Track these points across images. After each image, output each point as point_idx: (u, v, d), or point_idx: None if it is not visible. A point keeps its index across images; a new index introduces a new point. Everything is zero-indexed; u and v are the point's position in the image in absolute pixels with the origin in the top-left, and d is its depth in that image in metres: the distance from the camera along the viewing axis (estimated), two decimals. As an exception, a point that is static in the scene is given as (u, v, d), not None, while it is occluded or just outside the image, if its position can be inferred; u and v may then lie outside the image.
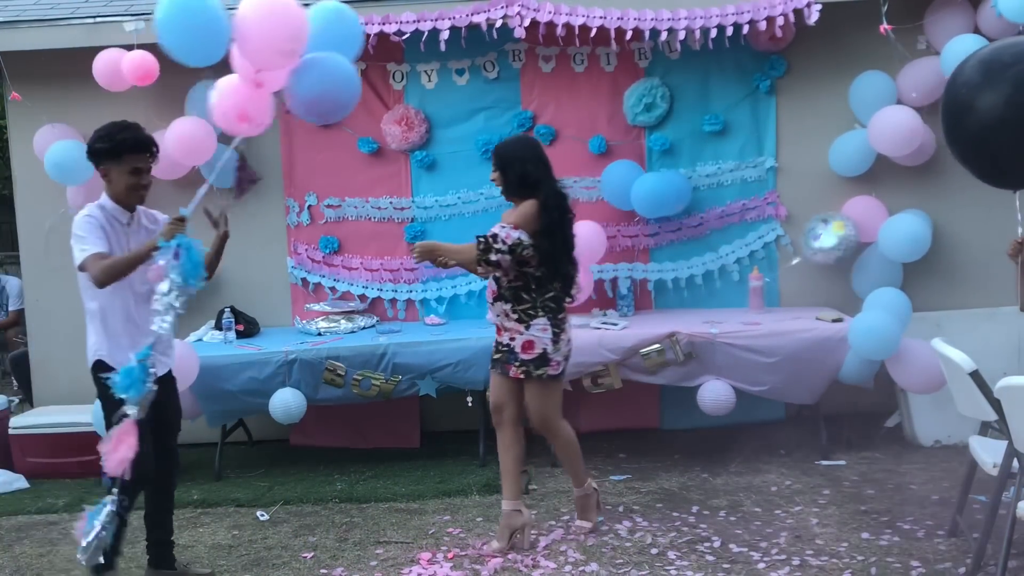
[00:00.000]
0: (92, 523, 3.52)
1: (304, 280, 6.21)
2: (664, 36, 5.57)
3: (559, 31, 5.59)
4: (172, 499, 4.09)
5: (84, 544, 3.50)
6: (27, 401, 6.89)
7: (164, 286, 3.49)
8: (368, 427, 6.02)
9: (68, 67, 6.04)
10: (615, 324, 5.47)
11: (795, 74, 5.93)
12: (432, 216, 6.14)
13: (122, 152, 3.76)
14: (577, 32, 5.61)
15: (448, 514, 4.73)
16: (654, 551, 4.11)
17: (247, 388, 5.35)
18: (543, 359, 4.09)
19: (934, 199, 5.86)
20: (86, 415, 5.47)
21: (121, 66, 5.67)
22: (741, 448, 5.58)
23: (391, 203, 6.15)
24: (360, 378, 5.30)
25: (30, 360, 6.50)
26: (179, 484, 5.41)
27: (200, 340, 5.75)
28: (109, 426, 3.69)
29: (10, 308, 8.18)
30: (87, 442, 5.59)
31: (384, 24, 5.61)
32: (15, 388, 7.63)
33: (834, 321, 5.33)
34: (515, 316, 4.09)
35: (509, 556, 4.11)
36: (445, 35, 5.60)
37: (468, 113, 6.07)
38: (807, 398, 5.36)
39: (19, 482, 5.61)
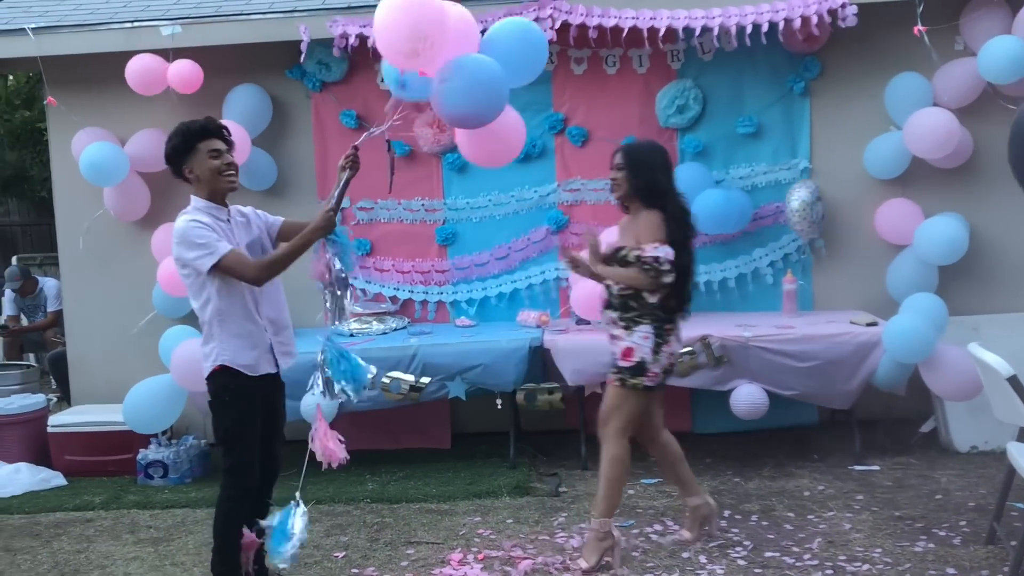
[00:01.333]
0: (286, 530, 3.51)
1: (336, 282, 6.25)
2: (698, 35, 5.54)
3: (591, 33, 5.58)
4: (268, 504, 3.78)
5: (286, 551, 3.49)
6: (65, 400, 7.00)
7: (334, 275, 3.58)
8: (399, 428, 6.04)
9: (106, 71, 6.13)
10: (646, 327, 5.45)
11: (829, 76, 5.88)
12: (463, 218, 6.15)
13: (194, 141, 3.64)
14: (609, 34, 5.61)
15: (479, 515, 4.74)
16: (685, 555, 4.09)
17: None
18: (640, 368, 3.91)
19: (971, 202, 5.78)
20: (122, 414, 5.54)
21: (156, 70, 5.76)
22: (773, 452, 5.54)
23: (423, 205, 6.17)
24: (389, 380, 5.32)
25: (68, 360, 6.60)
26: (213, 483, 5.50)
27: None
28: (222, 433, 3.67)
29: (48, 309, 8.33)
30: (124, 440, 5.71)
31: (416, 27, 5.63)
32: (53, 387, 7.76)
33: (869, 325, 5.27)
34: (622, 324, 3.96)
35: (539, 560, 4.11)
36: (477, 38, 5.61)
37: (500, 115, 6.07)
38: (841, 402, 5.31)
39: (57, 479, 5.69)
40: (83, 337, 6.47)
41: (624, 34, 5.58)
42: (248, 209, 3.82)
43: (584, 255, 4.15)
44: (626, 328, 3.95)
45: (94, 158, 5.81)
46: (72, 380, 6.54)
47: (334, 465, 3.60)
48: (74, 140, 6.09)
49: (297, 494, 3.57)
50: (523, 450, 5.68)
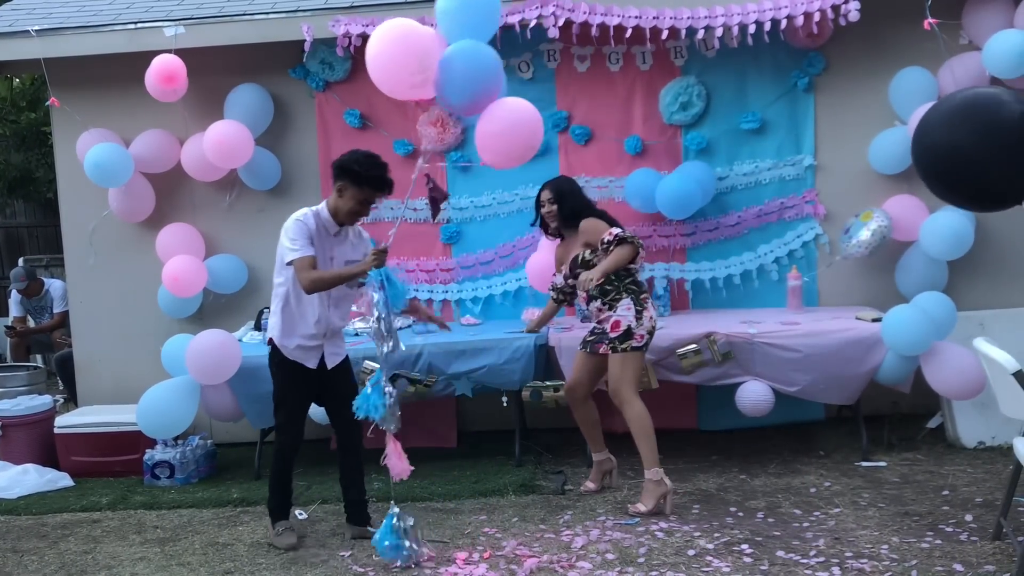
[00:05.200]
0: (389, 539, 4.06)
1: (341, 281, 6.25)
2: (701, 34, 5.54)
3: (594, 31, 5.58)
4: (361, 463, 4.58)
5: (398, 549, 4.05)
6: (71, 401, 7.02)
7: (375, 312, 3.97)
8: (405, 427, 5.98)
9: (109, 72, 6.15)
10: (651, 324, 5.45)
11: (834, 71, 5.86)
12: (468, 217, 6.15)
13: (364, 184, 4.18)
14: (612, 32, 5.60)
15: (484, 514, 4.74)
16: (691, 552, 4.08)
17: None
18: (627, 334, 4.61)
19: (977, 196, 5.75)
20: (129, 414, 5.56)
21: (155, 72, 5.75)
22: (779, 449, 5.53)
23: (427, 204, 6.16)
24: (396, 379, 5.32)
25: (74, 361, 6.62)
26: (219, 483, 5.55)
27: (240, 341, 5.80)
28: (276, 397, 4.39)
29: (55, 310, 8.35)
30: (130, 441, 5.73)
31: (419, 26, 5.63)
32: (60, 388, 7.78)
33: (874, 320, 5.26)
34: (606, 307, 4.69)
35: (544, 558, 4.10)
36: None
37: (503, 114, 6.06)
38: (846, 398, 5.30)
39: (64, 480, 5.70)
40: (89, 338, 6.48)
41: (627, 32, 5.58)
42: (367, 235, 4.51)
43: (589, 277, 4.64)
44: (609, 308, 4.67)
45: (99, 159, 5.83)
46: (78, 381, 6.56)
47: (404, 478, 4.17)
48: (79, 141, 6.11)
49: (392, 504, 4.11)
50: (529, 448, 5.68)
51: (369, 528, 4.44)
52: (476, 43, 3.98)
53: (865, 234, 5.57)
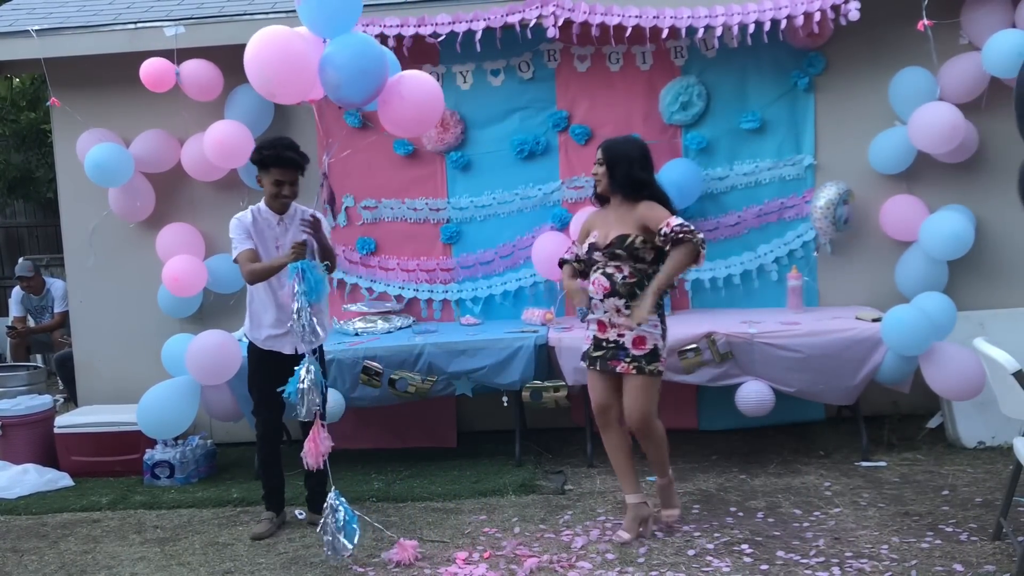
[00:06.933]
0: (335, 523, 4.03)
1: (341, 281, 6.26)
2: (701, 34, 5.54)
3: (594, 31, 5.58)
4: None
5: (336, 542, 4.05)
6: (71, 400, 7.02)
7: (294, 304, 4.03)
8: (405, 427, 6.05)
9: (110, 72, 6.15)
10: (651, 324, 5.44)
11: (834, 71, 5.86)
12: (468, 217, 6.15)
13: (268, 165, 4.34)
14: (612, 31, 5.60)
15: (484, 514, 4.74)
16: (691, 552, 4.08)
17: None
18: (654, 354, 4.13)
19: (977, 196, 5.76)
20: (129, 414, 5.57)
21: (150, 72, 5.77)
22: (780, 449, 5.53)
23: (427, 204, 6.17)
24: (397, 378, 5.34)
25: (74, 360, 6.62)
26: (219, 483, 5.55)
27: (240, 341, 5.79)
28: (248, 383, 4.68)
29: (55, 310, 8.36)
30: (130, 441, 5.74)
31: (419, 26, 5.63)
32: (60, 388, 7.78)
33: (874, 320, 5.26)
34: (627, 312, 4.10)
35: (544, 558, 4.10)
36: (480, 36, 5.61)
37: (503, 113, 6.08)
38: (846, 398, 5.30)
39: (64, 480, 5.71)
40: (89, 338, 6.48)
41: (627, 32, 5.58)
42: (322, 219, 4.46)
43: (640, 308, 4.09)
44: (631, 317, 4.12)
45: (99, 159, 5.83)
46: (78, 381, 6.56)
47: (312, 467, 4.11)
48: (79, 141, 6.11)
49: (333, 490, 4.07)
50: (529, 448, 5.68)
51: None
52: (351, 36, 3.88)
53: (817, 208, 5.62)
